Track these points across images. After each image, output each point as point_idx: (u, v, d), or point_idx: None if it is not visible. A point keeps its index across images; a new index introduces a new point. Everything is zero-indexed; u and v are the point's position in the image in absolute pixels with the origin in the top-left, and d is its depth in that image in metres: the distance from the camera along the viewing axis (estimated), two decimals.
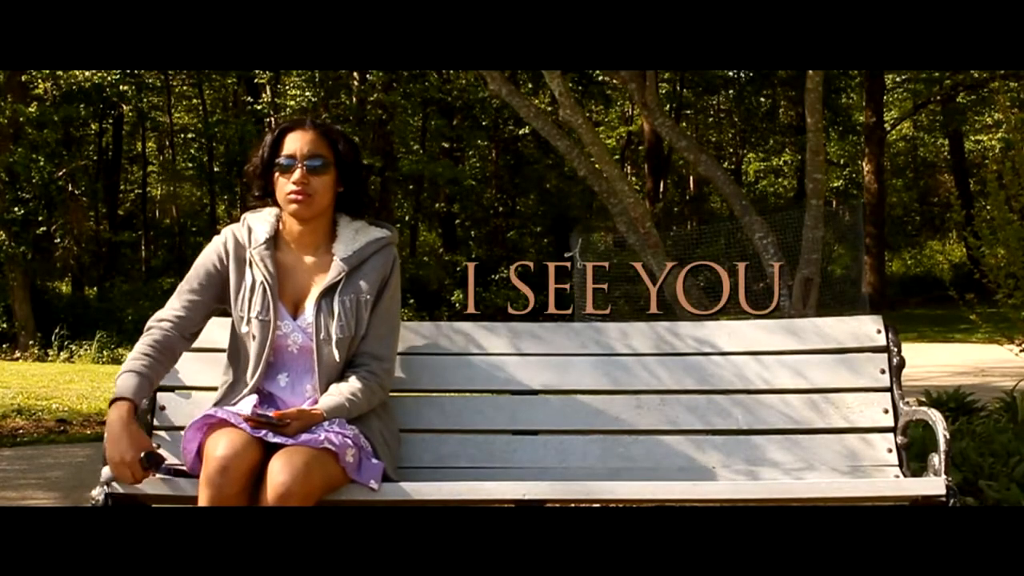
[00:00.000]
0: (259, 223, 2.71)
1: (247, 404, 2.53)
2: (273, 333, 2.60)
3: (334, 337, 2.59)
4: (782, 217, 14.93)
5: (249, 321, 2.62)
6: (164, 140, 26.05)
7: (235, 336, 2.68)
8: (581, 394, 2.92)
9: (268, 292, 2.61)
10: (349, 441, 2.46)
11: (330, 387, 2.59)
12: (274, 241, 2.68)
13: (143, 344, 2.57)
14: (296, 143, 2.63)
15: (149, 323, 2.62)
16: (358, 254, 2.66)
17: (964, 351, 12.80)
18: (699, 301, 5.86)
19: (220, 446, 2.31)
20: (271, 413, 2.45)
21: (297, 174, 2.60)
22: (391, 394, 2.80)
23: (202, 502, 2.30)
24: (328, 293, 2.62)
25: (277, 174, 2.65)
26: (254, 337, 2.61)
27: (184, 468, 2.50)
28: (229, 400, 2.62)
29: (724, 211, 22.98)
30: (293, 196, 2.61)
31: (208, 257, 2.69)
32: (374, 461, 2.53)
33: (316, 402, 2.58)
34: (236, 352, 2.68)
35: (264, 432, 2.37)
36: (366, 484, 2.46)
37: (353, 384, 2.59)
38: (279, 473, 2.29)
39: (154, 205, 25.92)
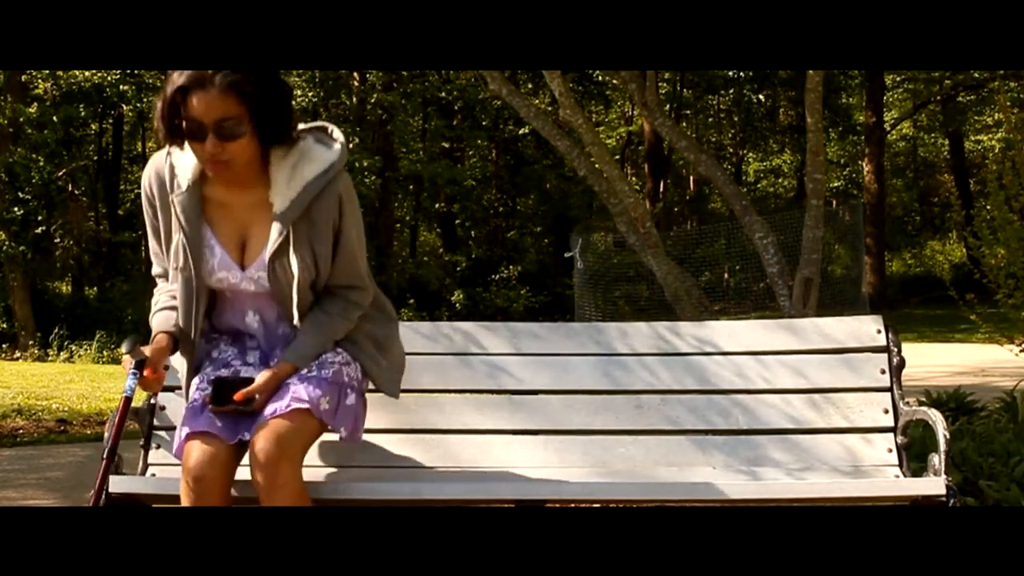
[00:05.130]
0: (182, 161, 2.41)
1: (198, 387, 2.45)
2: (198, 288, 2.43)
3: (296, 295, 2.41)
4: (782, 217, 14.97)
5: (176, 270, 2.44)
6: None
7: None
8: (581, 394, 2.92)
9: (187, 248, 2.40)
10: (321, 390, 2.37)
11: (304, 321, 2.44)
12: (200, 183, 2.41)
13: (159, 289, 2.54)
14: (201, 107, 2.23)
15: (155, 276, 2.57)
16: (298, 203, 2.36)
17: (964, 351, 12.80)
18: (699, 301, 5.86)
19: (192, 456, 2.30)
20: (235, 397, 2.34)
21: (209, 144, 2.26)
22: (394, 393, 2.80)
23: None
24: (281, 252, 2.39)
25: (186, 138, 2.29)
26: (182, 289, 2.45)
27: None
28: (207, 360, 2.53)
29: (724, 211, 22.99)
30: (211, 166, 2.31)
31: (145, 209, 2.50)
32: (348, 402, 2.44)
33: (294, 331, 2.48)
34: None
35: (234, 414, 2.34)
36: (336, 430, 2.42)
37: (328, 315, 2.45)
38: (260, 441, 2.26)
39: None
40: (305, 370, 2.41)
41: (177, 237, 2.42)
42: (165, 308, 2.50)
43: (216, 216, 2.43)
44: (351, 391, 2.47)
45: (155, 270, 2.58)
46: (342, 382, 2.44)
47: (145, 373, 2.35)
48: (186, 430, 2.35)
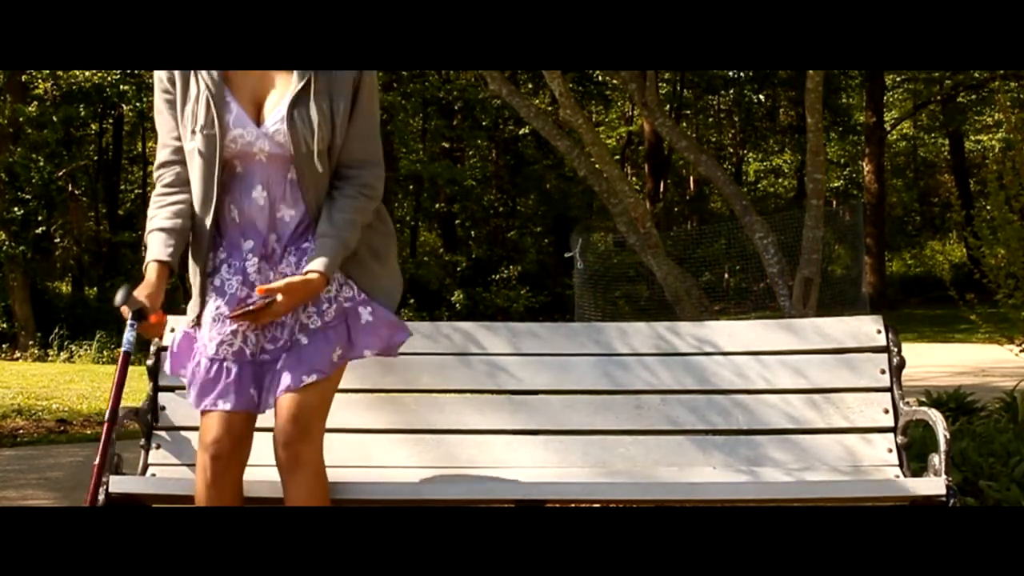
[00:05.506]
0: None
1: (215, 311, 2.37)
2: (221, 148, 2.35)
3: (315, 149, 2.34)
4: (782, 217, 14.98)
5: (193, 134, 2.36)
6: None
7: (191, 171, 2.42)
8: (581, 394, 2.92)
9: (211, 101, 2.35)
10: (329, 343, 2.34)
11: (320, 222, 2.37)
12: None
13: (158, 197, 2.44)
14: None
15: (155, 173, 2.47)
16: None
17: (964, 351, 12.80)
18: (699, 301, 5.86)
19: (211, 432, 2.32)
20: (256, 290, 2.29)
21: None
22: (392, 393, 2.79)
23: (199, 498, 2.34)
24: (300, 101, 2.35)
25: None
26: (200, 153, 2.36)
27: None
28: (212, 269, 2.43)
29: (724, 211, 23.00)
30: None
31: (159, 87, 2.44)
32: (364, 321, 2.40)
33: (300, 220, 2.39)
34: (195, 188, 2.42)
35: (246, 316, 2.28)
36: (362, 356, 2.41)
37: (347, 207, 2.37)
38: (281, 422, 2.29)
39: None
40: (307, 319, 2.35)
41: (196, 91, 2.37)
42: (160, 228, 2.39)
43: (235, 73, 2.39)
44: (361, 308, 2.42)
45: (160, 157, 2.47)
46: (345, 310, 2.40)
47: (151, 318, 2.28)
48: (208, 403, 2.34)
